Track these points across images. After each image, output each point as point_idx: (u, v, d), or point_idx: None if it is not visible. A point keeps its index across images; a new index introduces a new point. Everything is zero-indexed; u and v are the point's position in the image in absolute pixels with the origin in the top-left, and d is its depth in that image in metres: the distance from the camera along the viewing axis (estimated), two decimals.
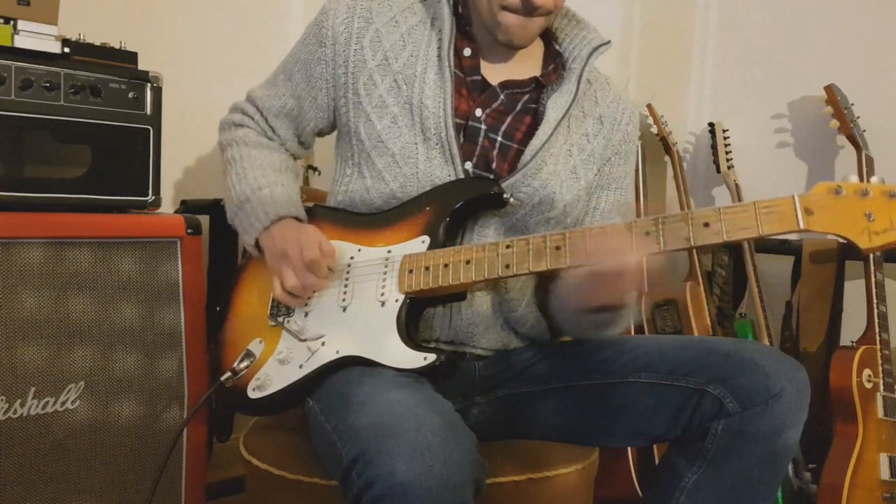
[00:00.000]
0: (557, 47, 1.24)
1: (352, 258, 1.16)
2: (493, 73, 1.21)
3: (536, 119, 1.19)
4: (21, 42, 1.22)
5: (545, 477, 1.13)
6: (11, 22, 1.22)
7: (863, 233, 0.86)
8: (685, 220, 0.93)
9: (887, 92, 2.05)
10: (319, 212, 1.24)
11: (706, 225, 0.92)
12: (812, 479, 1.87)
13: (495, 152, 1.18)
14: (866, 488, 1.72)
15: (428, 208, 1.13)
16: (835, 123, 1.98)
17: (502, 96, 1.19)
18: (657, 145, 2.28)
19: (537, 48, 1.25)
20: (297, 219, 1.20)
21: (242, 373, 1.15)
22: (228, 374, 1.15)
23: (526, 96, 1.21)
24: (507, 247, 1.04)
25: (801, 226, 0.87)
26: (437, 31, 1.19)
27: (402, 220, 1.15)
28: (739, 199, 2.15)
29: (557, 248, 1.00)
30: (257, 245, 1.19)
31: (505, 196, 1.12)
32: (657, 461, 1.55)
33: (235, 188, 1.22)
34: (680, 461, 1.05)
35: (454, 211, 1.12)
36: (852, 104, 1.98)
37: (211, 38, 1.85)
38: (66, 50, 1.27)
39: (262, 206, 1.18)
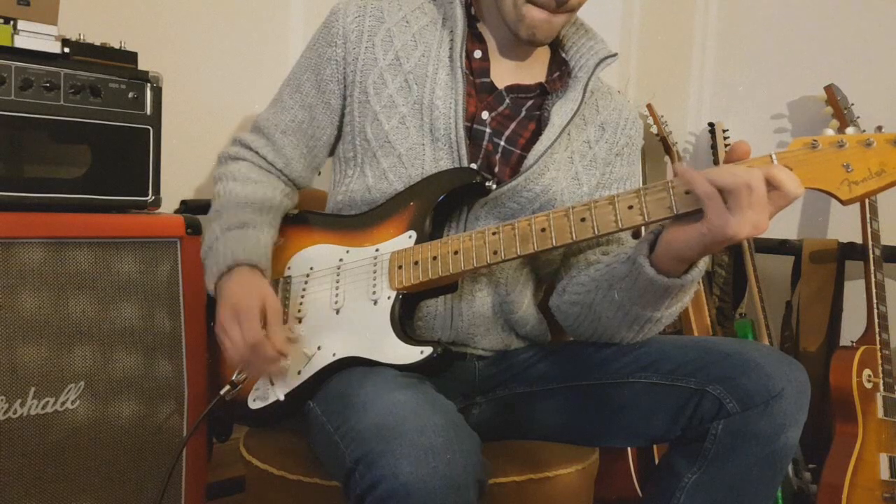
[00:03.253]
0: (564, 55, 1.24)
1: (340, 260, 1.16)
2: (501, 76, 1.21)
3: (540, 125, 1.19)
4: (21, 42, 1.22)
5: (545, 477, 1.13)
6: (11, 22, 1.21)
7: (842, 184, 0.86)
8: (666, 188, 0.92)
9: (887, 92, 2.05)
10: (306, 218, 1.24)
11: (687, 192, 0.91)
12: (812, 479, 1.87)
13: (498, 156, 1.18)
14: (866, 488, 1.72)
15: (412, 203, 1.13)
16: (835, 123, 1.98)
17: (508, 100, 1.19)
18: (657, 145, 2.28)
19: (544, 54, 1.25)
20: (258, 267, 1.11)
21: (241, 385, 1.15)
22: (227, 387, 1.14)
23: (530, 102, 1.21)
24: (494, 233, 1.04)
25: None
26: (448, 31, 1.19)
27: (387, 217, 1.15)
28: None
29: (542, 230, 1.00)
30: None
31: (487, 184, 1.12)
32: (657, 461, 1.55)
33: (211, 225, 1.17)
34: (680, 461, 1.05)
35: (438, 204, 1.12)
36: (852, 104, 1.98)
37: (211, 39, 1.85)
38: (66, 50, 1.27)
39: (224, 249, 1.11)
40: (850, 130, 0.88)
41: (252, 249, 1.12)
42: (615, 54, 1.21)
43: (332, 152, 1.28)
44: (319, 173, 1.79)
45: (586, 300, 1.11)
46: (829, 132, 0.88)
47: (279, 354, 1.05)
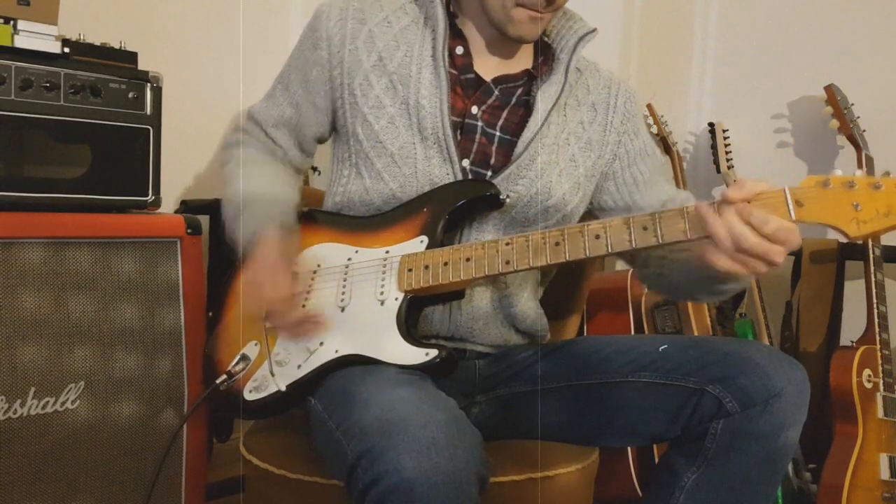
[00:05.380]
0: (546, 39, 1.25)
1: (349, 259, 1.16)
2: (486, 69, 1.22)
3: (529, 111, 1.20)
4: (21, 42, 1.22)
5: (545, 477, 1.13)
6: (11, 22, 1.21)
7: (851, 222, 0.91)
8: (681, 214, 0.96)
9: (887, 92, 2.05)
10: (315, 216, 1.24)
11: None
12: (812, 479, 1.87)
13: (494, 147, 1.19)
14: (866, 488, 1.72)
15: (425, 210, 1.14)
16: (835, 123, 1.98)
17: (496, 92, 1.20)
18: (657, 145, 2.28)
19: None
20: (287, 228, 1.16)
21: (238, 376, 1.15)
22: (224, 377, 1.15)
23: (519, 89, 1.22)
24: (507, 244, 1.05)
25: (793, 217, 0.91)
26: (430, 30, 1.20)
27: (399, 221, 1.15)
28: None
29: (556, 244, 1.02)
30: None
31: (502, 197, 1.13)
32: (657, 461, 1.55)
33: (232, 204, 1.20)
34: (679, 461, 1.05)
35: (452, 212, 1.13)
36: (852, 104, 1.98)
37: (211, 39, 1.85)
38: (66, 50, 1.27)
39: (252, 220, 1.15)
40: (859, 173, 0.94)
41: (282, 213, 1.17)
42: (594, 30, 1.23)
43: (321, 141, 1.31)
44: (319, 172, 1.80)
45: (674, 279, 1.17)
46: (838, 173, 0.93)
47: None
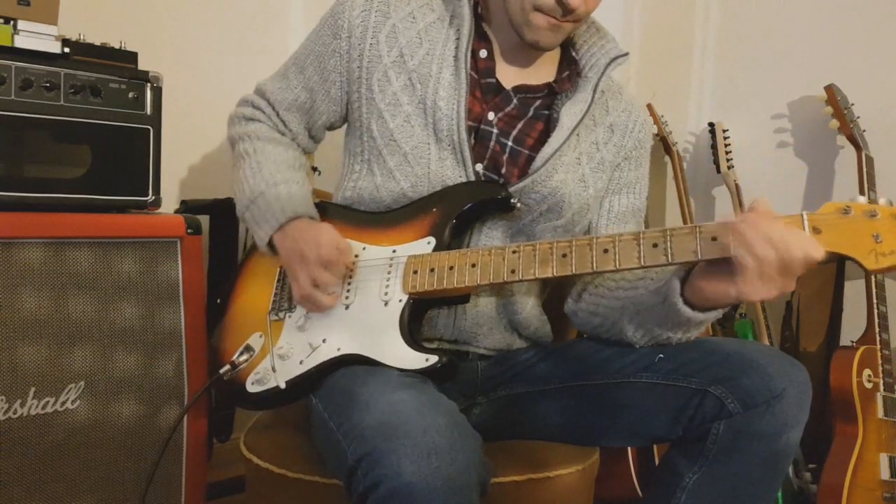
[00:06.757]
0: (574, 54, 1.23)
1: (356, 256, 1.15)
2: (508, 76, 1.20)
3: (549, 126, 1.18)
4: (21, 42, 1.22)
5: (545, 477, 1.12)
6: (11, 22, 1.21)
7: (870, 254, 0.87)
8: (693, 233, 0.93)
9: (887, 92, 2.05)
10: (326, 208, 1.24)
11: (714, 239, 0.92)
12: (812, 479, 1.88)
13: (505, 157, 1.17)
14: (866, 488, 1.72)
15: (435, 209, 1.13)
16: (835, 123, 1.98)
17: (515, 101, 1.19)
18: (657, 145, 2.28)
19: (554, 53, 1.24)
20: (312, 218, 1.17)
21: (242, 366, 1.15)
22: (227, 367, 1.15)
23: (538, 101, 1.20)
24: (514, 252, 1.03)
25: None
26: (454, 30, 1.18)
27: (408, 220, 1.15)
28: (740, 200, 2.15)
29: (564, 255, 1.00)
30: (270, 243, 1.17)
31: (513, 200, 1.12)
32: (657, 461, 1.55)
33: (249, 182, 1.19)
34: (681, 461, 1.05)
35: (461, 213, 1.12)
36: (852, 104, 1.98)
37: (211, 38, 1.85)
38: (66, 50, 1.27)
39: (277, 203, 1.15)
40: (882, 202, 0.90)
41: (306, 202, 1.17)
42: (626, 53, 1.20)
43: (331, 129, 1.31)
44: (319, 173, 1.79)
45: (611, 316, 1.13)
46: (861, 200, 0.90)
47: (347, 269, 1.12)
